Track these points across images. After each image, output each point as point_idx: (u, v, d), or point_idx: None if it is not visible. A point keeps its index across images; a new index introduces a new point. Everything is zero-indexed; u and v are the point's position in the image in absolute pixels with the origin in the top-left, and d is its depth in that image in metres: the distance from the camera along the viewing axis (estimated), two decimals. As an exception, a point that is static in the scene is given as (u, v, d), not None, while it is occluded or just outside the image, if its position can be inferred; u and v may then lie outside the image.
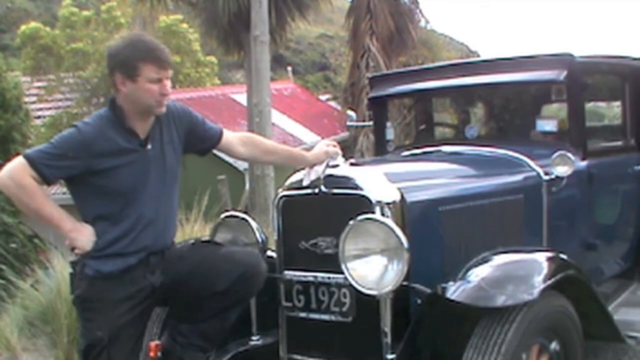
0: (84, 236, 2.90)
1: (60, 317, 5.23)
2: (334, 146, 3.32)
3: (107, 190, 2.91)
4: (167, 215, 3.04)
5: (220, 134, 3.23)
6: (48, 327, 5.46)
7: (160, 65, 2.88)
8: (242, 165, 13.40)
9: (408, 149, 4.50)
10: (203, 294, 3.00)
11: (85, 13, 17.76)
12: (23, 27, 17.72)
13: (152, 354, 3.11)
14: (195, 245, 3.22)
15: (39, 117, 16.05)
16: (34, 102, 16.11)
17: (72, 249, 2.95)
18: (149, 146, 2.97)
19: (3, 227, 10.97)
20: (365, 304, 3.03)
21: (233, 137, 3.30)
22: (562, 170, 3.73)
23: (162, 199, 3.01)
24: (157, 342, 3.16)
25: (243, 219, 3.54)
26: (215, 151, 3.30)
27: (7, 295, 6.48)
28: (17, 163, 2.85)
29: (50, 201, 2.94)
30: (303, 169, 3.31)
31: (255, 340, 3.50)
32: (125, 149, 2.91)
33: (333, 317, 3.18)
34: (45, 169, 2.83)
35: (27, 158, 2.84)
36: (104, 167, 2.87)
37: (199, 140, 3.20)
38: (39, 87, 17.19)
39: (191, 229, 6.57)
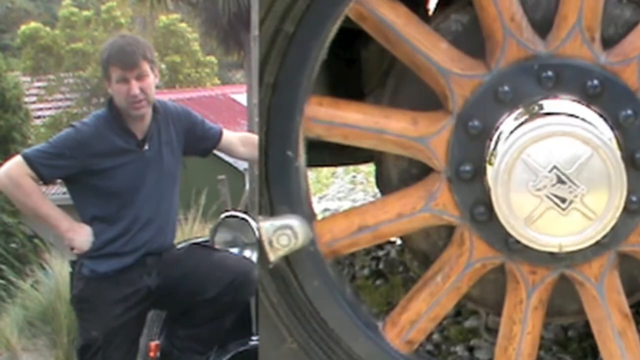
0: (81, 236, 2.89)
1: (60, 317, 5.24)
2: None
3: (104, 190, 2.90)
4: (165, 216, 3.02)
5: (220, 134, 3.22)
6: (48, 327, 5.48)
7: (122, 67, 2.85)
8: (242, 165, 13.39)
9: None
10: (194, 299, 2.98)
11: (85, 13, 17.77)
12: (23, 27, 17.73)
13: (152, 354, 3.10)
14: (191, 249, 3.20)
15: (39, 117, 16.05)
16: (34, 102, 16.10)
17: (72, 248, 2.95)
18: (146, 147, 2.94)
19: (3, 227, 10.98)
20: None
21: (233, 137, 3.30)
22: None
23: (160, 201, 2.99)
24: (157, 342, 3.16)
25: (243, 219, 3.53)
26: (215, 151, 3.29)
27: (7, 295, 6.51)
28: (15, 162, 2.85)
29: (48, 201, 2.94)
30: None
31: (255, 340, 3.49)
32: (123, 150, 2.90)
33: None
34: (43, 168, 2.83)
35: (25, 157, 2.84)
36: (101, 167, 2.87)
37: (199, 141, 3.18)
38: (39, 87, 17.19)
39: (190, 229, 6.58)
